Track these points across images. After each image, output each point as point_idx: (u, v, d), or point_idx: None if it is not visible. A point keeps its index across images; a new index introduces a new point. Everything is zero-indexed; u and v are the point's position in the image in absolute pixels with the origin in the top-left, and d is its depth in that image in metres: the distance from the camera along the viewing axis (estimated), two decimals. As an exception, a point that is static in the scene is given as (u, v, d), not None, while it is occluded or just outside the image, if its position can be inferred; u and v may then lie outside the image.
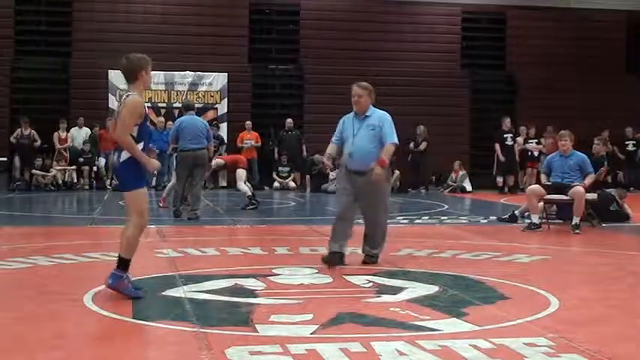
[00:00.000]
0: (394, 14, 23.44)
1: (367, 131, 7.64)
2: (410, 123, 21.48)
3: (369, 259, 7.76)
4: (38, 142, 20.29)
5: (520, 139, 21.09)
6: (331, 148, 7.92)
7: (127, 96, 5.91)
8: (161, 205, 14.33)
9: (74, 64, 22.02)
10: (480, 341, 4.57)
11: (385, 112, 7.78)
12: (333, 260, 7.50)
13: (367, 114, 7.71)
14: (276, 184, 21.54)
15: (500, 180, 20.57)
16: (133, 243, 5.88)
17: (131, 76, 5.97)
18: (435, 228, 11.81)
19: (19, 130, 20.21)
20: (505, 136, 20.57)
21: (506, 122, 20.73)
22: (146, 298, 5.97)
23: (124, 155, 5.88)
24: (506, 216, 12.52)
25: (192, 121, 12.75)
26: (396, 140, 7.66)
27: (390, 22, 23.42)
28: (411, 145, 21.18)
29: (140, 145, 5.87)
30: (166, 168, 18.38)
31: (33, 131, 20.24)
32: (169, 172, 14.83)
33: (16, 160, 20.35)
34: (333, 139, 7.91)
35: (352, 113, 7.81)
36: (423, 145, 21.14)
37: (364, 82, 7.88)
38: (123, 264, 5.87)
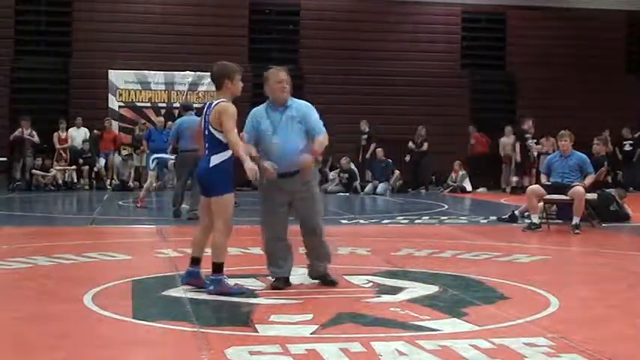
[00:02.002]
0: (394, 14, 23.43)
1: (293, 124, 6.34)
2: (410, 123, 21.53)
3: (323, 278, 6.55)
4: (36, 139, 20.18)
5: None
6: (249, 148, 6.27)
7: (218, 103, 6.12)
8: (138, 205, 14.37)
9: (74, 64, 22.01)
10: (480, 341, 4.57)
11: (305, 102, 6.60)
12: (279, 284, 6.39)
13: (287, 104, 6.44)
14: (276, 184, 21.51)
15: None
16: (221, 248, 6.09)
17: (216, 83, 6.27)
18: (435, 228, 11.80)
19: (20, 129, 20.13)
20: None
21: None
22: (146, 298, 5.98)
23: (215, 160, 6.04)
24: (506, 216, 12.53)
25: (193, 121, 12.74)
26: (325, 131, 6.41)
27: (390, 22, 23.40)
28: (411, 145, 21.17)
29: (229, 153, 6.03)
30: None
31: (33, 131, 20.17)
32: (169, 172, 14.89)
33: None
34: (246, 137, 6.43)
35: (263, 105, 6.53)
36: (423, 146, 21.12)
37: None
38: (218, 268, 6.04)
